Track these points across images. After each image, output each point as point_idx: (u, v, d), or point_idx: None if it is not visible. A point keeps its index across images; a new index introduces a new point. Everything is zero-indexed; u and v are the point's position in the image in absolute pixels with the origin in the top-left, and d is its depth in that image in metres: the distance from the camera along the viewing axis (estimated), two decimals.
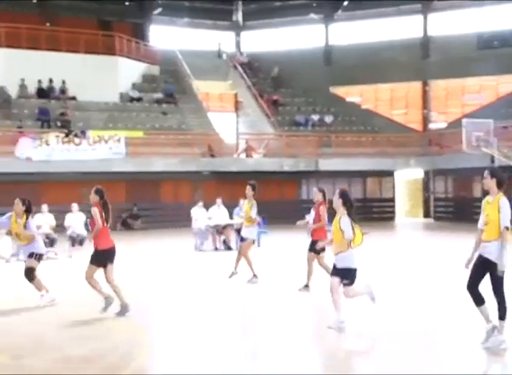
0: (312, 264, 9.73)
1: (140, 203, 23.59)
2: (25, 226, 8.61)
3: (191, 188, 24.07)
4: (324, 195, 9.76)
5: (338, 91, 32.64)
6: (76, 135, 22.25)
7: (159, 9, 33.01)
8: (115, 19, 31.26)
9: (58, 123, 24.11)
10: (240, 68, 31.82)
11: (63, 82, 26.07)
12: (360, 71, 30.40)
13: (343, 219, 7.06)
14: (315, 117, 29.85)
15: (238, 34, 35.48)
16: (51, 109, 24.61)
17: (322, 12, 33.97)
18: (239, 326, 8.10)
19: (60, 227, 15.21)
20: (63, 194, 20.75)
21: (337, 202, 7.18)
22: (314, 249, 9.34)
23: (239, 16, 35.27)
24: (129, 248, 17.58)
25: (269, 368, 6.05)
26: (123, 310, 8.18)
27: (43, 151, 21.34)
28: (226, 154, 25.32)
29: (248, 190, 10.81)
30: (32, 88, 25.72)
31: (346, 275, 7.05)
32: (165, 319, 8.38)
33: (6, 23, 25.31)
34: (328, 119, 30.01)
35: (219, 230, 16.35)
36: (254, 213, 10.72)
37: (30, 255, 8.75)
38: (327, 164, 25.32)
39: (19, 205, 8.63)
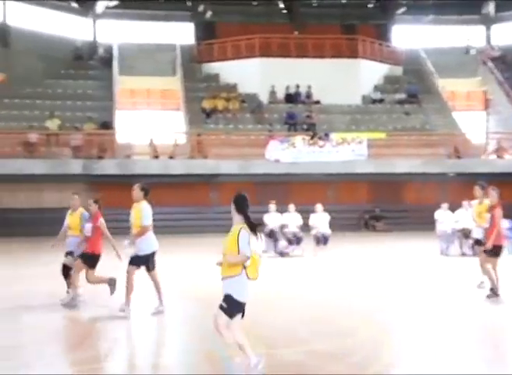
0: (486, 266, 9.37)
1: (382, 204, 23.49)
2: (80, 219, 9.38)
3: (435, 190, 23.22)
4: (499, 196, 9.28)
5: None
6: (320, 138, 22.98)
7: (403, 9, 32.48)
8: (358, 23, 31.59)
9: (304, 126, 25.21)
10: (490, 63, 29.78)
11: (309, 87, 27.14)
12: None
13: (242, 232, 5.65)
14: None
15: (488, 28, 33.20)
16: (298, 113, 25.82)
17: None
18: (474, 332, 7.62)
19: (306, 226, 15.81)
20: (308, 194, 21.59)
21: (231, 208, 5.83)
22: (493, 253, 9.23)
23: (490, 8, 33.02)
24: (371, 249, 17.66)
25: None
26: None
27: (290, 154, 22.46)
28: (474, 155, 23.93)
29: (477, 190, 10.77)
30: (281, 94, 27.27)
31: (230, 303, 5.58)
32: (408, 321, 8.25)
33: (260, 34, 27.24)
34: None
35: (467, 233, 15.50)
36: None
37: (68, 253, 9.43)
38: None
39: (77, 201, 9.56)
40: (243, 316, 5.67)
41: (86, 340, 7.52)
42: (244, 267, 5.57)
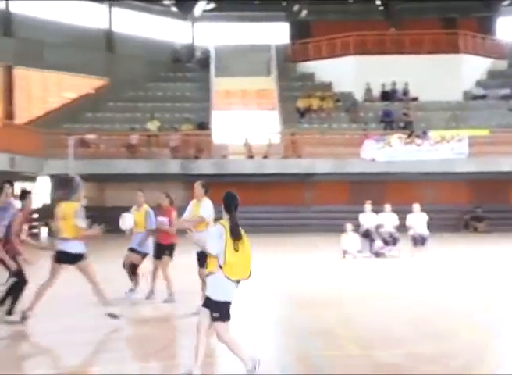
0: None
1: (485, 204, 22.52)
2: (145, 216, 9.63)
3: None
4: None
5: None
6: (417, 136, 22.41)
7: (508, 0, 30.91)
8: (459, 16, 30.44)
9: (401, 124, 24.63)
10: None
11: (406, 84, 26.49)
12: None
13: (216, 226, 5.40)
14: None
15: None
16: (394, 111, 25.25)
17: None
18: None
19: (402, 227, 15.45)
20: (405, 194, 21.09)
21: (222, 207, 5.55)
22: None
23: None
24: (472, 250, 16.99)
25: None
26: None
27: (386, 152, 22.06)
28: None
29: None
30: (376, 92, 26.80)
31: (214, 307, 5.30)
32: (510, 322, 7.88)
33: (355, 31, 26.92)
34: None
35: None
36: None
37: (132, 250, 9.74)
38: None
39: (142, 198, 9.82)
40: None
41: (182, 336, 7.72)
42: (220, 266, 5.26)
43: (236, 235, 5.27)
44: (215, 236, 5.29)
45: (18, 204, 8.48)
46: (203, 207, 8.29)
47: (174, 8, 30.27)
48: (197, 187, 8.44)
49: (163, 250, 9.35)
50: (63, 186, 7.81)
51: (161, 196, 9.62)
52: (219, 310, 5.27)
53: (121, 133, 23.81)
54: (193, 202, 8.52)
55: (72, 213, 7.55)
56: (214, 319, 5.28)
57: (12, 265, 7.78)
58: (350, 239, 14.97)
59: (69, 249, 7.51)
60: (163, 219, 9.34)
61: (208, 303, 5.31)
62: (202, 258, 8.16)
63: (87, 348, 6.89)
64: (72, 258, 7.55)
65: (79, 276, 7.78)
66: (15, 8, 24.47)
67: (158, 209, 9.60)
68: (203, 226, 8.21)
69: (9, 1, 24.33)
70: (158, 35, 29.19)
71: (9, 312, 8.10)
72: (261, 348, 6.85)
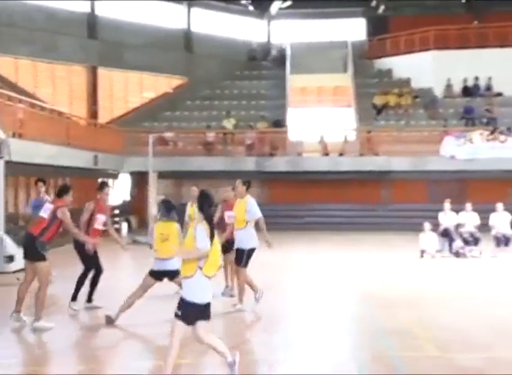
0: None
1: None
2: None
3: None
4: None
5: None
6: (501, 132, 21.55)
7: None
8: None
9: (484, 121, 23.76)
10: None
11: (489, 79, 25.54)
12: None
13: (199, 227, 5.21)
14: None
15: None
16: (476, 107, 24.38)
17: None
18: None
19: (484, 227, 14.91)
20: (488, 192, 20.33)
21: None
22: None
23: None
24: None
25: None
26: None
27: (467, 150, 21.33)
28: None
29: None
30: (457, 87, 25.98)
31: (183, 306, 5.15)
32: None
33: (435, 25, 26.19)
34: None
35: None
36: None
37: None
38: None
39: (196, 193, 9.20)
40: (208, 318, 5.30)
41: (254, 332, 7.76)
42: (200, 267, 5.15)
43: (212, 234, 5.25)
44: (204, 235, 5.20)
45: (49, 199, 9.11)
46: (251, 207, 8.34)
47: (250, 7, 30.49)
48: (239, 185, 8.48)
49: (231, 244, 8.89)
50: (165, 207, 8.03)
51: (226, 189, 9.59)
52: (186, 311, 5.15)
53: (198, 131, 24.22)
54: (237, 202, 8.60)
55: (176, 232, 7.83)
56: (175, 315, 5.19)
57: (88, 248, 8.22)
58: (429, 238, 14.60)
59: (169, 268, 7.76)
60: (231, 214, 9.06)
61: (180, 303, 5.20)
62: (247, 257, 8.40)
63: (164, 342, 7.05)
64: (172, 275, 7.80)
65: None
66: (99, 11, 25.40)
67: (224, 204, 9.54)
68: (242, 224, 8.29)
69: (95, 2, 25.30)
70: (234, 34, 29.49)
71: (89, 300, 8.52)
72: (337, 346, 6.80)
